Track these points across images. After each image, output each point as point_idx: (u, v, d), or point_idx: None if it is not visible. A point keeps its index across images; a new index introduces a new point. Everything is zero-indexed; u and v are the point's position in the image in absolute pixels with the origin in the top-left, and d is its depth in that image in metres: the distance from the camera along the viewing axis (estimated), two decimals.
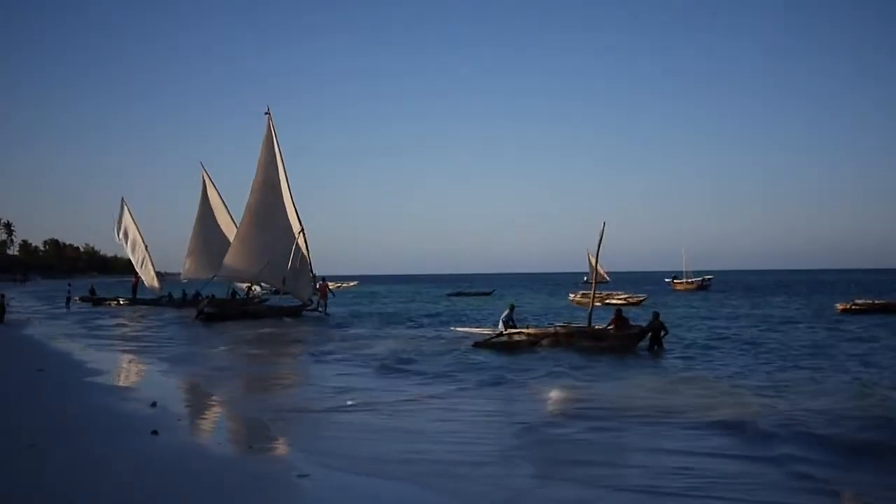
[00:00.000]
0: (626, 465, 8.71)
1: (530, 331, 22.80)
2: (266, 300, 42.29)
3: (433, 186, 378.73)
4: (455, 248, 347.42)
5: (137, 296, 54.32)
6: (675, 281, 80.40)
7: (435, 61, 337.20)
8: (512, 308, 23.99)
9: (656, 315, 21.96)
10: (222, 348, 23.63)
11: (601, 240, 23.43)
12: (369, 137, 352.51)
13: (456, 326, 27.94)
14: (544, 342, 21.68)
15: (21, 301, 57.41)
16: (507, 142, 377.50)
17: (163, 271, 64.64)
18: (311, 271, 38.87)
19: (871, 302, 38.58)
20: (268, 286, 42.04)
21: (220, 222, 47.67)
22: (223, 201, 48.36)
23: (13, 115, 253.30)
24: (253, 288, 44.44)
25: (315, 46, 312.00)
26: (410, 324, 34.43)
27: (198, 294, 46.57)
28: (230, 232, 44.63)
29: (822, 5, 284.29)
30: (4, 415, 11.07)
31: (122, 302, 53.73)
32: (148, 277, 55.24)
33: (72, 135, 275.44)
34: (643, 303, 48.40)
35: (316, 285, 39.12)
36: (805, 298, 56.97)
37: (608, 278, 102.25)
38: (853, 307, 37.45)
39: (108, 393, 13.87)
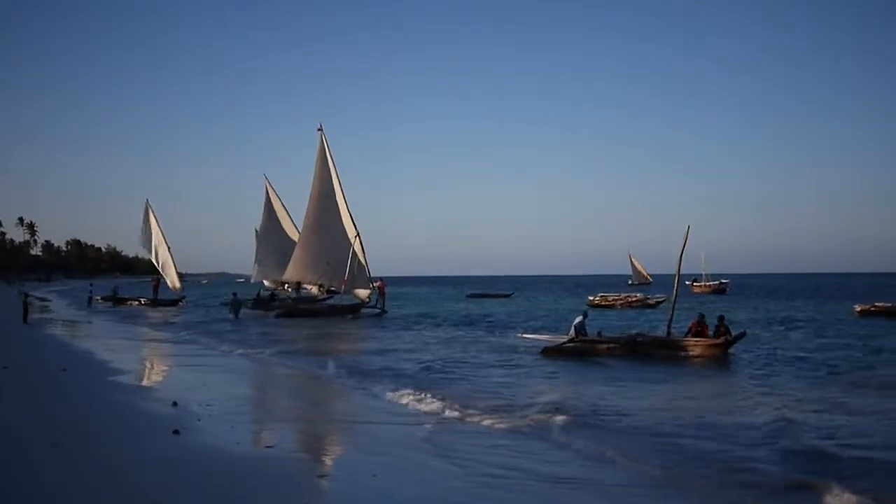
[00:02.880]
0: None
1: (603, 339, 21.66)
2: (328, 299, 44.06)
3: (446, 186, 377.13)
4: (467, 248, 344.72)
5: (158, 296, 55.05)
6: (693, 283, 79.96)
7: (458, 61, 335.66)
8: (585, 315, 22.80)
9: (721, 318, 21.18)
10: (250, 350, 23.70)
11: (685, 243, 21.93)
12: (388, 136, 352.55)
13: (523, 332, 26.49)
14: (617, 351, 20.69)
15: (50, 300, 58.29)
16: (524, 144, 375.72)
17: (184, 272, 65.57)
18: (368, 272, 41.90)
19: (889, 305, 38.94)
20: (330, 286, 43.99)
21: (285, 229, 50.67)
22: (286, 210, 51.38)
23: (36, 118, 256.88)
24: (287, 287, 47.12)
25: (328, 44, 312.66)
26: (455, 326, 34.06)
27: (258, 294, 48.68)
28: (294, 238, 47.42)
29: (823, 5, 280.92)
30: (29, 414, 11.21)
31: (143, 302, 54.47)
32: (170, 278, 56.12)
33: (94, 137, 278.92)
34: (662, 304, 47.73)
35: (374, 285, 41.73)
36: (820, 301, 56.73)
37: (651, 279, 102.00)
38: (872, 309, 37.99)
39: (129, 392, 14.02)
